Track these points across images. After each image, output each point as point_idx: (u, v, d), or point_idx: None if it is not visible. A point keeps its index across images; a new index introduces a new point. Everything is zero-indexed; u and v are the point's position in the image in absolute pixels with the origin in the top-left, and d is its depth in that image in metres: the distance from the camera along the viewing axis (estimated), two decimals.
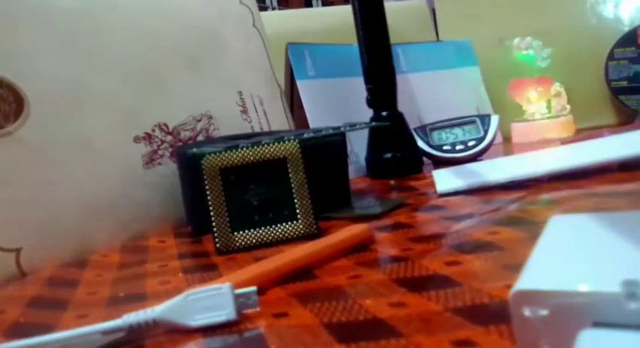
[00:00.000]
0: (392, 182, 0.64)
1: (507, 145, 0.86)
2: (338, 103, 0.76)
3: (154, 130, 0.55)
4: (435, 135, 0.75)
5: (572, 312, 0.14)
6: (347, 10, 0.71)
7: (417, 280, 0.27)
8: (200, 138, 0.59)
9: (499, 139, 0.88)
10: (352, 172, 0.68)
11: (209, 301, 0.25)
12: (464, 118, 0.76)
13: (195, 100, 0.60)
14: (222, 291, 0.25)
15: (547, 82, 0.89)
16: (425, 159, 0.73)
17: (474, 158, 0.72)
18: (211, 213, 0.40)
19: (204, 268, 0.37)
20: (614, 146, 0.48)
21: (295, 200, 0.41)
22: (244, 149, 0.42)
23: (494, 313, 0.21)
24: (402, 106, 0.70)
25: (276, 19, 1.01)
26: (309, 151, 0.42)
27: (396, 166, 0.68)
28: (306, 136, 0.47)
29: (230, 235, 0.40)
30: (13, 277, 0.42)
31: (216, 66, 0.64)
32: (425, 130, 0.76)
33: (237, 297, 0.25)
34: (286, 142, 0.42)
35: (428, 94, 0.88)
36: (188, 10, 0.64)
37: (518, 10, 0.99)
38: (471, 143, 0.73)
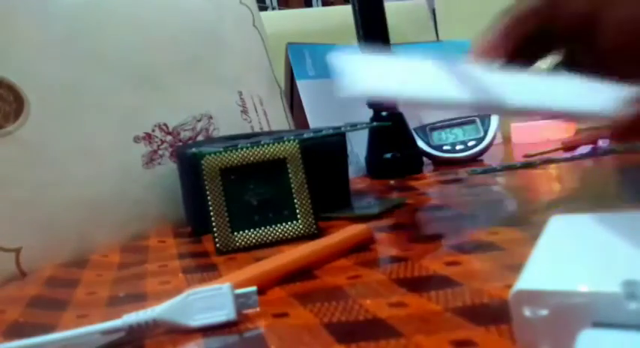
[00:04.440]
0: (392, 182, 0.64)
1: (507, 146, 0.86)
2: (338, 103, 0.76)
3: (153, 130, 0.55)
4: (435, 135, 0.75)
5: (572, 312, 0.14)
6: (347, 10, 0.71)
7: (417, 280, 0.27)
8: (200, 138, 0.59)
9: (499, 139, 0.88)
10: (352, 172, 0.68)
11: (209, 301, 0.25)
12: (464, 118, 0.76)
13: (195, 100, 0.60)
14: (222, 291, 0.25)
15: None
16: (425, 159, 0.73)
17: (473, 158, 0.72)
18: (211, 213, 0.40)
19: (204, 268, 0.37)
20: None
21: (295, 200, 0.41)
22: (244, 149, 0.42)
23: (494, 313, 0.21)
24: (402, 106, 0.70)
25: (276, 19, 1.01)
26: (309, 151, 0.42)
27: (396, 166, 0.68)
28: (306, 136, 0.47)
29: (230, 235, 0.40)
30: (13, 277, 0.42)
31: (216, 66, 0.64)
32: (425, 130, 0.76)
33: (237, 297, 0.25)
34: (286, 142, 0.42)
35: None
36: (188, 9, 0.64)
37: None
38: (470, 143, 0.73)
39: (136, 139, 0.54)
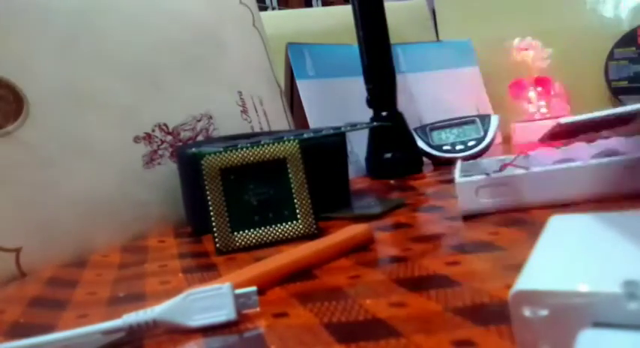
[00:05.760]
0: (392, 182, 0.64)
1: (507, 145, 0.86)
2: (338, 103, 0.76)
3: (153, 130, 0.55)
4: (435, 135, 0.75)
5: (572, 312, 0.14)
6: (347, 10, 0.71)
7: (417, 280, 0.27)
8: (200, 138, 0.59)
9: (499, 139, 0.88)
10: (352, 172, 0.68)
11: (209, 301, 0.25)
12: (464, 118, 0.76)
13: (195, 100, 0.60)
14: (222, 291, 0.25)
15: (547, 82, 0.89)
16: (425, 159, 0.73)
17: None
18: (211, 213, 0.40)
19: (204, 268, 0.37)
20: None
21: (295, 200, 0.41)
22: (244, 149, 0.42)
23: (494, 313, 0.21)
24: (401, 106, 0.70)
25: (276, 19, 1.01)
26: (309, 151, 0.42)
27: (396, 166, 0.68)
28: (306, 136, 0.47)
29: (230, 235, 0.40)
30: (13, 277, 0.42)
31: (216, 66, 0.64)
32: (425, 130, 0.76)
33: (237, 297, 0.25)
34: (286, 142, 0.42)
35: (428, 94, 0.88)
36: (188, 10, 0.64)
37: (518, 10, 0.99)
38: (470, 143, 0.73)
39: (136, 139, 0.54)
